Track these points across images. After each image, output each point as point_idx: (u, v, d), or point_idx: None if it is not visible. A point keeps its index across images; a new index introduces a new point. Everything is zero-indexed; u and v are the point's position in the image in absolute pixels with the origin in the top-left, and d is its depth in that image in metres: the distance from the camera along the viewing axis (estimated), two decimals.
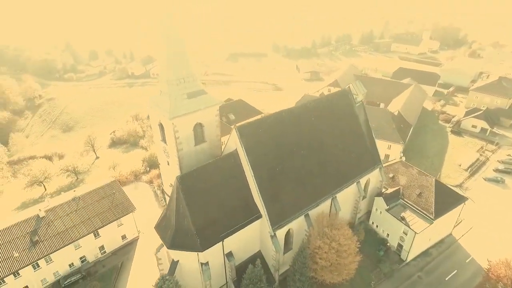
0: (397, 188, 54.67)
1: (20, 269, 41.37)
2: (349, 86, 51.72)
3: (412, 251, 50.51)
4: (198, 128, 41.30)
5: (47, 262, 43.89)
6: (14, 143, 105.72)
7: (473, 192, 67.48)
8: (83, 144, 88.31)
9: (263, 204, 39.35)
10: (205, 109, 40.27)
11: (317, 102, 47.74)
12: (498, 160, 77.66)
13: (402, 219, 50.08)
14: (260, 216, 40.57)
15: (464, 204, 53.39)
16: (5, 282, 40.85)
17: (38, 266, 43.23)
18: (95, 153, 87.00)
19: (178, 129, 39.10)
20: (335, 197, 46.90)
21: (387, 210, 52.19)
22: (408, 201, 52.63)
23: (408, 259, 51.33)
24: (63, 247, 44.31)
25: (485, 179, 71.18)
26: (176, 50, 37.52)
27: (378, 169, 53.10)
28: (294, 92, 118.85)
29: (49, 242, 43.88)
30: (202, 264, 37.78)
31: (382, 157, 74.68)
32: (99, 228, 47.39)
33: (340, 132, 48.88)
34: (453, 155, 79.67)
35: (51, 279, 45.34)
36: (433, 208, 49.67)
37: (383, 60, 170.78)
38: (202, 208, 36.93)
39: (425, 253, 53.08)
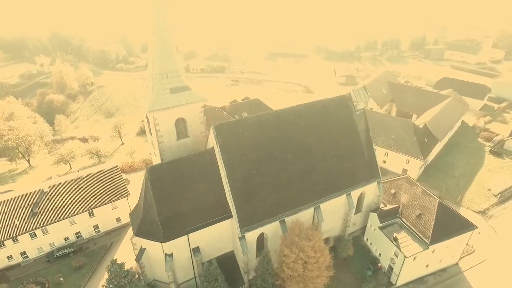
0: (396, 206, 50.71)
1: (18, 235, 46.15)
2: (350, 93, 48.96)
3: (402, 276, 46.57)
4: (181, 123, 42.36)
5: (43, 233, 48.33)
6: (58, 124, 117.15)
7: (498, 222, 59.99)
8: (111, 130, 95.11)
9: (233, 204, 39.13)
10: (187, 105, 41.11)
11: (309, 107, 45.90)
12: None
13: (395, 239, 46.36)
14: (230, 216, 40.43)
15: (473, 232, 47.91)
16: (4, 245, 45.91)
17: (35, 235, 47.80)
18: (120, 139, 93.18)
19: (159, 123, 40.55)
20: (319, 206, 44.92)
21: (380, 228, 48.68)
22: (406, 222, 48.57)
23: (398, 284, 47.44)
24: (58, 221, 48.44)
25: None
26: (161, 45, 38.85)
27: (376, 183, 49.65)
28: (324, 95, 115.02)
29: (47, 215, 48.25)
30: (166, 255, 38.82)
31: (399, 172, 70.86)
32: (93, 208, 50.86)
33: (333, 140, 46.53)
34: (485, 178, 71.37)
35: (47, 248, 49.86)
36: (431, 232, 45.21)
37: (433, 68, 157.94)
38: (169, 200, 37.86)
39: (420, 280, 48.63)
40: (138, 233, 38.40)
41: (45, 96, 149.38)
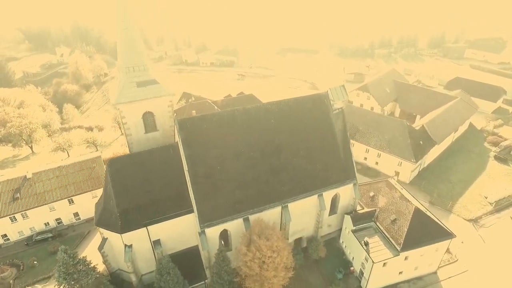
0: (372, 209, 49.05)
1: None
2: (327, 91, 47.45)
3: (372, 281, 45.09)
4: (149, 117, 42.59)
5: (23, 217, 50.41)
6: (66, 113, 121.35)
7: (489, 232, 56.83)
8: (111, 121, 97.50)
9: (194, 199, 39.11)
10: (154, 98, 41.24)
11: (282, 104, 44.87)
12: None
13: (365, 244, 44.88)
14: (192, 211, 40.46)
15: (451, 241, 45.66)
16: None
17: (15, 219, 49.89)
18: (120, 129, 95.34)
19: (125, 115, 40.99)
20: (286, 206, 44.11)
21: (353, 231, 47.28)
22: (380, 226, 46.92)
23: None
24: (37, 207, 50.33)
25: None
26: (126, 38, 39.05)
27: (352, 185, 48.13)
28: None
29: (27, 201, 50.22)
30: (125, 245, 39.45)
31: (391, 174, 68.48)
32: (73, 196, 52.43)
33: (306, 139, 45.36)
34: (483, 185, 67.63)
35: (27, 232, 52.02)
36: (403, 238, 43.43)
37: (450, 67, 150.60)
38: (129, 192, 38.36)
39: (392, 287, 46.94)
40: (98, 223, 39.22)
41: (60, 85, 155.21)
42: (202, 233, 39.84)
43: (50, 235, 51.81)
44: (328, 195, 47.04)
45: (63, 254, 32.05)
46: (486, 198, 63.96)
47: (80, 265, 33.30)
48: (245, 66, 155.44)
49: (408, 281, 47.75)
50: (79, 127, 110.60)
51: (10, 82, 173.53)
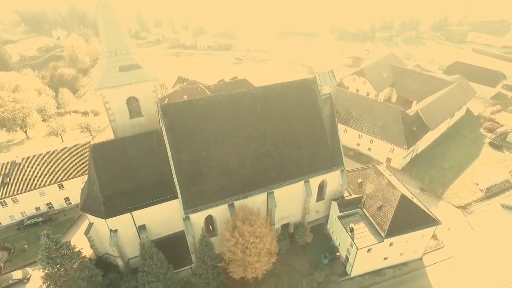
0: (359, 196, 49.09)
1: None
2: (315, 76, 46.62)
3: (356, 267, 45.64)
4: (133, 102, 42.18)
5: (13, 202, 50.94)
6: (62, 97, 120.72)
7: (477, 218, 56.95)
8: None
9: (178, 185, 39.17)
10: (137, 83, 40.70)
11: (268, 89, 44.23)
12: None
13: (351, 230, 45.12)
14: (176, 197, 40.61)
15: (436, 227, 45.85)
16: None
17: (6, 204, 50.43)
18: None
19: (108, 101, 40.61)
20: (272, 192, 44.17)
21: (339, 218, 47.48)
22: (366, 213, 47.05)
23: (353, 274, 46.62)
24: (27, 191, 50.74)
25: (503, 206, 59.15)
26: (107, 21, 38.18)
27: (339, 171, 47.98)
28: None
29: (16, 186, 50.62)
30: (111, 230, 39.90)
31: (383, 160, 68.21)
32: (62, 181, 52.74)
33: (292, 125, 44.95)
34: (476, 172, 67.35)
35: (18, 217, 52.77)
36: (388, 225, 43.60)
37: (452, 51, 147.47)
38: (113, 178, 38.47)
39: (377, 272, 47.53)
40: (83, 208, 39.56)
41: (56, 69, 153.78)
42: (186, 218, 40.15)
43: (41, 219, 52.47)
44: (314, 181, 46.99)
45: (45, 239, 32.42)
46: (477, 185, 63.81)
47: (63, 249, 33.69)
48: (243, 50, 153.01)
49: (393, 266, 48.27)
50: (75, 111, 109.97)
51: (7, 65, 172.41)
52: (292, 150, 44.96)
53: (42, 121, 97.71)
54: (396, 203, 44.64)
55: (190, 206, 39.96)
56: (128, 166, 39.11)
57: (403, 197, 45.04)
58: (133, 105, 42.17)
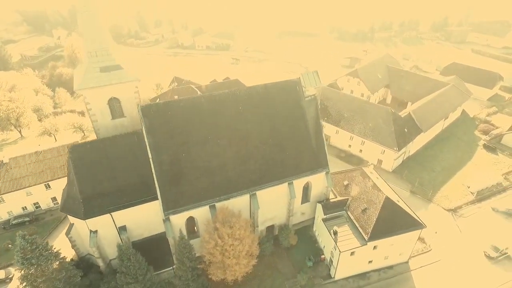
0: (344, 198, 48.68)
1: None
2: (299, 77, 46.27)
3: (340, 269, 45.26)
4: (115, 103, 42.11)
5: (0, 202, 51.03)
6: (59, 97, 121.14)
7: (467, 222, 56.33)
8: None
9: (158, 187, 39.02)
10: (118, 84, 40.62)
11: (251, 91, 44.02)
12: None
13: (334, 233, 44.73)
14: (157, 198, 40.43)
15: (421, 231, 45.36)
16: None
17: None
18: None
19: (89, 101, 40.62)
20: (254, 194, 43.90)
21: (323, 220, 47.10)
22: (351, 215, 46.63)
23: (337, 277, 46.25)
24: (13, 191, 50.85)
25: (493, 209, 58.42)
26: (87, 22, 38.11)
27: (324, 173, 47.59)
28: (323, 78, 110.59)
29: (3, 185, 50.76)
30: (91, 231, 39.86)
31: (375, 162, 67.70)
32: (48, 181, 52.80)
33: (276, 127, 44.66)
34: (467, 174, 66.63)
35: (5, 216, 52.93)
36: (371, 228, 43.18)
37: (452, 51, 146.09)
38: (92, 179, 38.42)
39: (362, 275, 47.11)
40: (63, 209, 39.57)
41: (55, 69, 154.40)
42: (166, 220, 39.99)
43: (27, 219, 52.61)
44: (299, 183, 46.65)
45: (20, 239, 32.43)
46: (468, 187, 63.10)
47: (39, 250, 33.64)
48: (241, 50, 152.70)
49: (378, 270, 47.82)
50: (71, 111, 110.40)
51: (7, 65, 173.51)
52: (276, 151, 44.67)
53: (39, 120, 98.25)
54: (380, 206, 44.22)
55: (170, 207, 39.80)
56: (108, 167, 39.03)
57: (387, 200, 44.57)
58: (115, 106, 42.12)
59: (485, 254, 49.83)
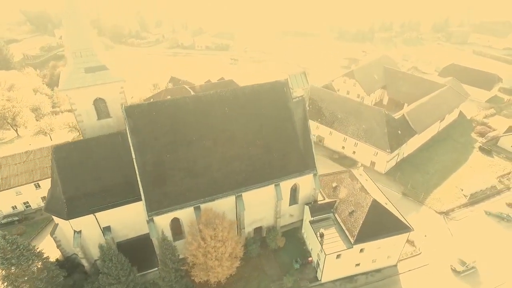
0: (332, 200, 48.33)
1: None
2: (287, 78, 45.96)
3: (326, 272, 44.94)
4: (100, 103, 42.11)
5: None
6: (57, 96, 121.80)
7: (459, 225, 55.71)
8: None
9: (141, 188, 38.96)
10: (104, 85, 40.61)
11: (237, 92, 43.84)
12: None
13: (321, 235, 44.38)
14: (141, 199, 40.36)
15: (409, 234, 44.89)
16: None
17: None
18: None
19: (74, 102, 40.63)
20: (240, 195, 43.68)
21: (311, 222, 46.78)
22: (338, 218, 46.26)
23: (323, 280, 45.91)
24: (2, 190, 51.14)
25: (486, 213, 57.67)
26: (71, 23, 38.13)
27: (312, 175, 47.23)
28: (321, 78, 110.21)
29: None
30: (75, 231, 39.89)
31: (368, 164, 67.25)
32: (38, 180, 52.98)
33: (262, 128, 44.40)
34: (462, 176, 65.93)
35: None
36: (357, 231, 42.79)
37: (452, 52, 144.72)
38: (75, 179, 38.42)
39: (349, 278, 46.72)
40: (46, 209, 39.62)
41: (56, 68, 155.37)
42: (150, 221, 39.90)
43: (16, 218, 52.87)
44: (286, 185, 46.35)
45: (0, 239, 32.50)
46: (462, 190, 62.40)
47: (19, 250, 33.71)
48: (240, 50, 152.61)
49: (366, 273, 47.38)
50: (69, 111, 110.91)
51: (9, 64, 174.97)
52: (262, 153, 44.42)
53: (37, 120, 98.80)
54: (367, 208, 43.78)
55: (154, 208, 39.71)
56: (92, 167, 39.02)
57: (374, 202, 44.11)
58: (100, 106, 42.09)
59: (451, 268, 47.31)
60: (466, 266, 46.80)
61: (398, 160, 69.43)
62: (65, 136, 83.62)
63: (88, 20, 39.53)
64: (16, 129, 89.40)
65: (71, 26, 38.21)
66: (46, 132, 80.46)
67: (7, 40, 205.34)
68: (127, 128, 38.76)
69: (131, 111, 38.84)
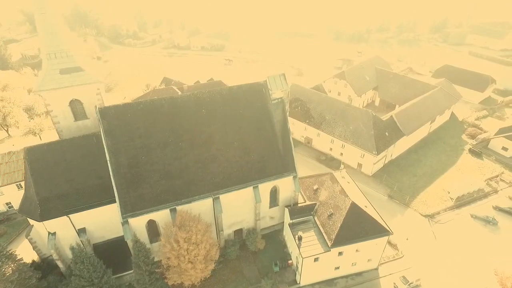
0: (312, 203, 47.94)
1: None
2: (265, 80, 45.62)
3: (305, 275, 44.58)
4: (77, 105, 41.97)
5: None
6: None
7: (443, 228, 55.15)
8: None
9: (116, 189, 38.77)
10: (80, 86, 40.47)
11: (215, 93, 43.51)
12: (510, 196, 61.14)
13: (299, 238, 44.02)
14: (115, 200, 40.17)
15: (388, 238, 44.44)
16: None
17: None
18: None
19: (50, 103, 40.50)
20: (218, 197, 43.40)
21: (290, 225, 46.44)
22: (317, 221, 45.88)
23: (302, 283, 45.59)
24: None
25: (472, 216, 57.06)
26: (44, 24, 37.99)
27: (291, 177, 46.86)
28: (314, 79, 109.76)
29: None
30: (49, 233, 39.75)
31: (354, 166, 66.76)
32: (21, 181, 52.81)
33: (240, 130, 44.16)
34: (450, 179, 65.31)
35: None
36: (335, 234, 42.40)
37: (448, 53, 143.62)
38: (49, 181, 38.31)
39: (328, 282, 46.37)
40: (20, 210, 39.49)
41: None
42: (125, 223, 39.71)
43: None
44: (265, 187, 46.04)
45: None
46: (449, 193, 61.81)
47: None
48: (235, 51, 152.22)
49: (346, 276, 46.98)
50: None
51: (7, 64, 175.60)
52: (240, 155, 44.14)
53: (29, 120, 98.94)
54: (346, 211, 43.40)
55: (129, 210, 39.51)
56: (65, 168, 38.88)
57: (353, 205, 43.71)
58: (77, 107, 41.95)
59: (394, 287, 45.80)
60: (409, 285, 45.08)
61: (386, 162, 68.90)
62: (55, 136, 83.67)
63: (62, 20, 39.29)
64: (7, 129, 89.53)
65: (44, 27, 38.05)
66: (35, 133, 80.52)
67: (6, 40, 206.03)
68: (101, 130, 38.62)
69: (105, 113, 38.70)
